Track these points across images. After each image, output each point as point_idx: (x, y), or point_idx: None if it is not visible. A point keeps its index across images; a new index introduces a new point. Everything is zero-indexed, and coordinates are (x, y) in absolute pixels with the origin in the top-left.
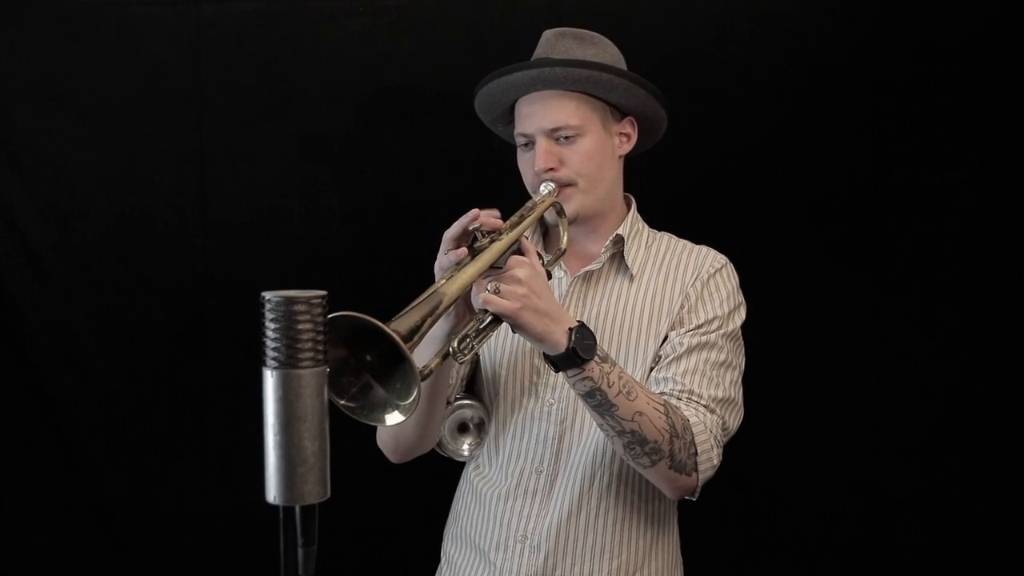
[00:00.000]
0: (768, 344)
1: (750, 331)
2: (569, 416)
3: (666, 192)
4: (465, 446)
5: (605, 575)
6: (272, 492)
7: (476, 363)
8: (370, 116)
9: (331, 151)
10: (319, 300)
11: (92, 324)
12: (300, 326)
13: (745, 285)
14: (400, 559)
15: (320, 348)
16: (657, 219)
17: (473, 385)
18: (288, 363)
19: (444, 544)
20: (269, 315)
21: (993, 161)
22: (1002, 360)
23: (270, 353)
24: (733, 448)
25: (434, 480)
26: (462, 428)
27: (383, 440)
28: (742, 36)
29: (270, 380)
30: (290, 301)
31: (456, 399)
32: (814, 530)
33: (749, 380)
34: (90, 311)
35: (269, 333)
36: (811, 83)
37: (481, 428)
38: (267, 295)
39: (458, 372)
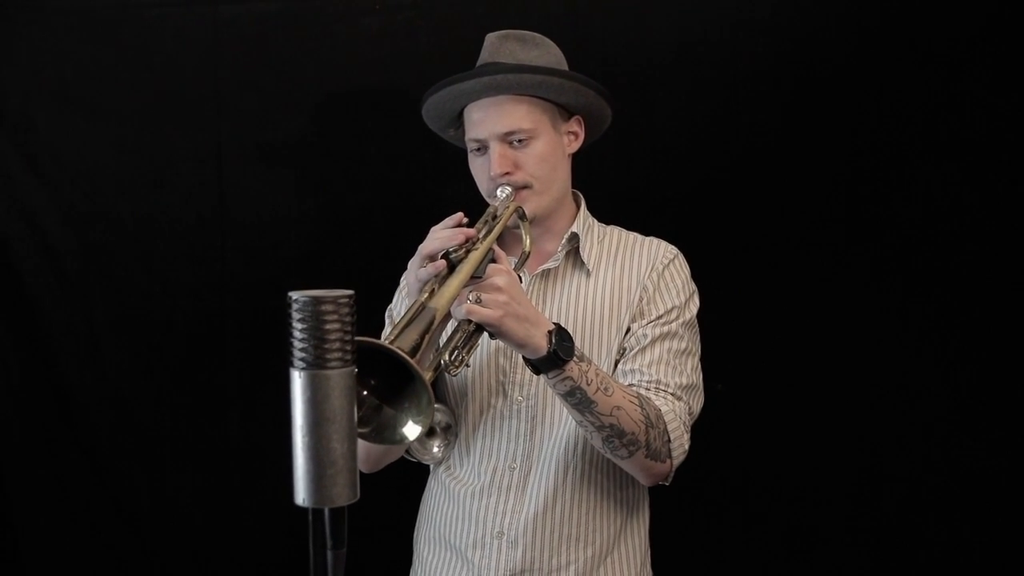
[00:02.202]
0: (765, 340)
1: (757, 329)
2: (539, 412)
3: (664, 187)
4: (435, 449)
5: (580, 563)
6: (301, 494)
7: (437, 366)
8: (387, 114)
9: (349, 150)
10: (346, 300)
11: (112, 324)
12: (328, 326)
13: (747, 282)
14: (370, 562)
15: (348, 348)
16: (652, 216)
17: (436, 388)
18: (316, 364)
19: (416, 546)
20: (296, 315)
21: (996, 158)
22: (1005, 358)
23: (298, 354)
24: (713, 434)
25: (400, 483)
26: (430, 432)
27: None
28: (750, 27)
29: (298, 381)
30: (317, 301)
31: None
32: (784, 516)
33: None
34: (110, 311)
35: (296, 334)
36: (810, 78)
37: (448, 430)
38: (294, 295)
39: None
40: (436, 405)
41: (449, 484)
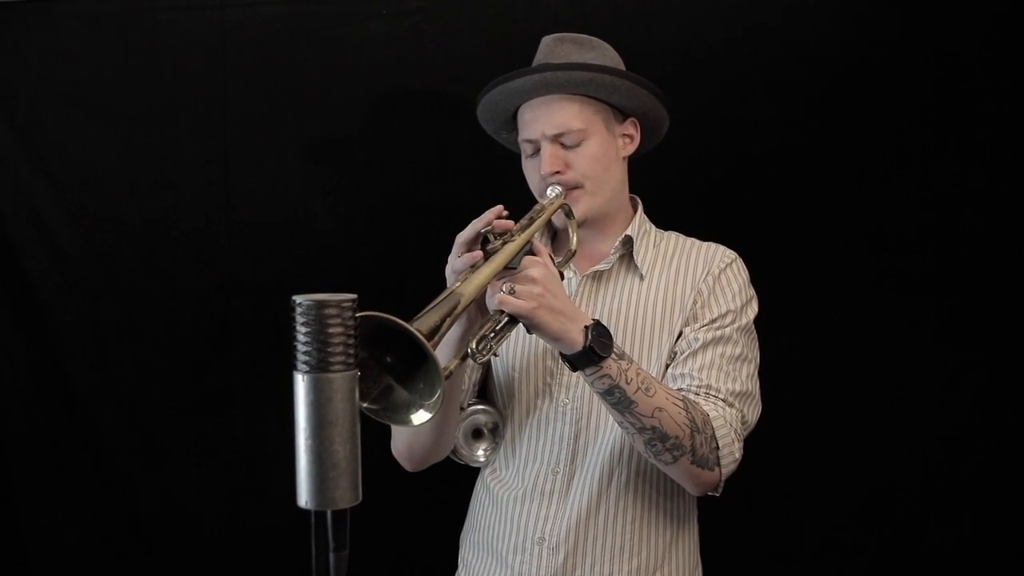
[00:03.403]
0: (791, 346)
1: (773, 332)
2: (584, 416)
3: (683, 191)
4: (480, 451)
5: (625, 574)
6: (304, 496)
7: (488, 368)
8: (393, 118)
9: (355, 153)
10: (349, 303)
11: (119, 326)
12: (331, 330)
13: (764, 285)
14: (418, 567)
15: (351, 352)
16: (673, 218)
17: (485, 390)
18: (319, 367)
19: (461, 551)
20: (300, 319)
21: (1010, 162)
22: (1013, 362)
23: (301, 357)
24: (755, 446)
25: (450, 487)
26: (476, 434)
27: (398, 449)
28: (760, 32)
29: (301, 384)
30: (321, 305)
31: (469, 405)
32: (833, 531)
33: (773, 381)
34: (117, 313)
35: (300, 337)
36: (819, 85)
37: (495, 433)
38: (298, 299)
39: (470, 377)
40: (483, 406)
41: (494, 488)
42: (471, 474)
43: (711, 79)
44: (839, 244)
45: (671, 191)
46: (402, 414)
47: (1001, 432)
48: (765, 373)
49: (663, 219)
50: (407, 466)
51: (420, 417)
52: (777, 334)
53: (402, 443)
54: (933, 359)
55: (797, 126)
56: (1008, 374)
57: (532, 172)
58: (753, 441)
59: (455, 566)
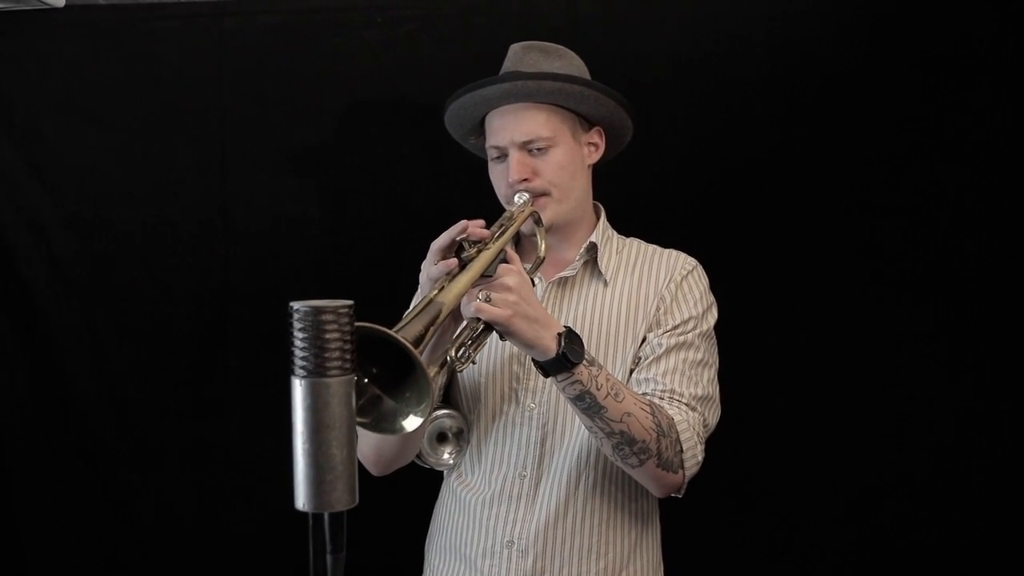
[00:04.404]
0: (771, 347)
1: (765, 335)
2: (551, 420)
3: (670, 197)
4: (446, 455)
5: (593, 575)
6: (301, 499)
7: (452, 372)
8: (389, 125)
9: (351, 160)
10: (346, 309)
11: (116, 332)
12: (328, 335)
13: (745, 294)
14: (382, 572)
15: (347, 357)
16: (660, 226)
17: (449, 394)
18: (316, 372)
19: (427, 555)
20: (297, 324)
21: (999, 167)
22: (1014, 364)
23: (298, 362)
24: (722, 447)
25: (414, 491)
26: (441, 438)
27: (364, 453)
28: (748, 41)
29: (299, 389)
30: (318, 311)
31: (434, 409)
32: (796, 530)
33: (768, 383)
34: (114, 319)
35: (297, 342)
36: (808, 92)
37: (460, 437)
38: (295, 305)
39: (436, 382)
40: (448, 410)
41: (460, 491)
42: (435, 478)
43: (701, 86)
44: (831, 247)
45: (662, 197)
46: (392, 423)
47: (997, 433)
48: (758, 375)
49: (651, 226)
50: (373, 470)
51: (412, 423)
52: (771, 337)
53: (369, 448)
54: (928, 361)
55: (786, 133)
56: (1004, 376)
57: (499, 178)
58: (729, 441)
59: (419, 570)
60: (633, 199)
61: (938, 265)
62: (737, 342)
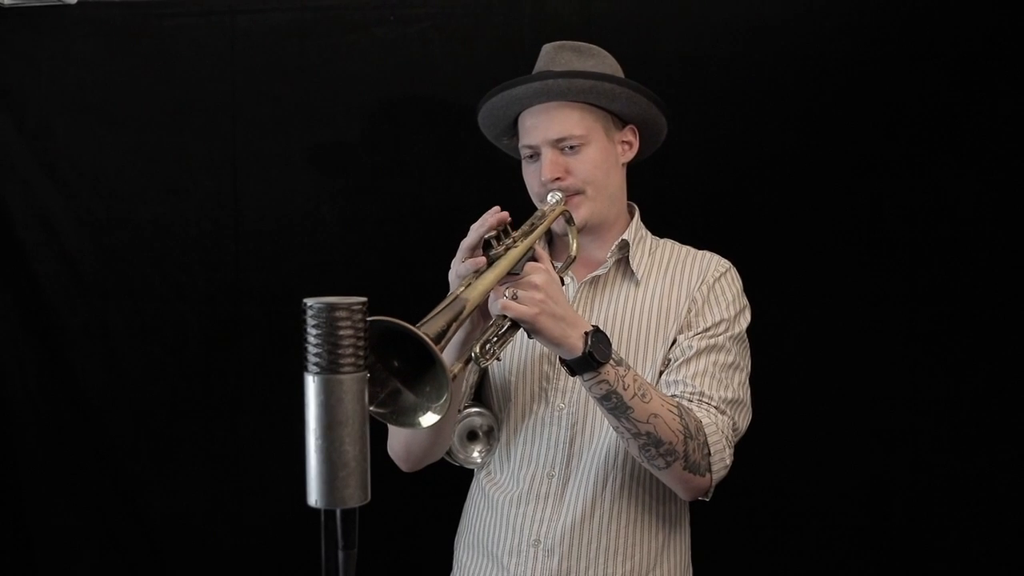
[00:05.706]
0: (787, 349)
1: (770, 336)
2: (580, 420)
3: (686, 198)
4: (475, 453)
5: None
6: (314, 496)
7: (484, 371)
8: (401, 124)
9: (362, 158)
10: (360, 306)
11: (128, 329)
12: (341, 332)
13: (761, 291)
14: (412, 568)
15: (361, 354)
16: (675, 225)
17: (480, 393)
18: (329, 368)
19: (456, 552)
20: (311, 321)
21: (1010, 165)
22: (1013, 363)
23: (312, 359)
24: (747, 450)
25: (445, 488)
26: (471, 436)
27: (394, 450)
28: (763, 40)
29: (312, 385)
30: (332, 308)
31: (465, 407)
32: (823, 534)
33: (765, 384)
34: (126, 317)
35: (311, 339)
36: (819, 90)
37: (490, 435)
38: (309, 302)
39: (467, 380)
40: (479, 409)
41: (489, 490)
42: (466, 476)
43: (714, 86)
44: (840, 249)
45: (674, 198)
46: (410, 417)
47: (1000, 436)
48: (766, 378)
49: (665, 227)
50: (403, 467)
51: (428, 419)
52: (779, 339)
53: (399, 444)
54: (933, 362)
55: (799, 133)
56: (1007, 379)
57: (532, 178)
58: (754, 445)
59: (449, 567)
60: (644, 199)
61: (950, 268)
62: (764, 342)
